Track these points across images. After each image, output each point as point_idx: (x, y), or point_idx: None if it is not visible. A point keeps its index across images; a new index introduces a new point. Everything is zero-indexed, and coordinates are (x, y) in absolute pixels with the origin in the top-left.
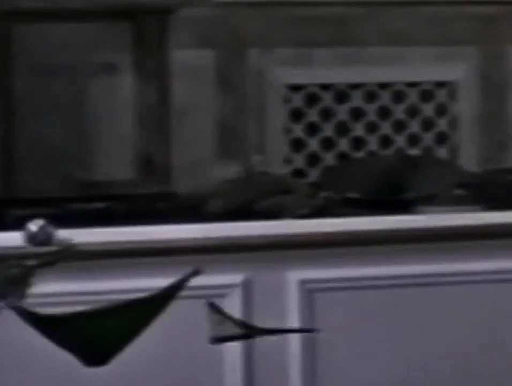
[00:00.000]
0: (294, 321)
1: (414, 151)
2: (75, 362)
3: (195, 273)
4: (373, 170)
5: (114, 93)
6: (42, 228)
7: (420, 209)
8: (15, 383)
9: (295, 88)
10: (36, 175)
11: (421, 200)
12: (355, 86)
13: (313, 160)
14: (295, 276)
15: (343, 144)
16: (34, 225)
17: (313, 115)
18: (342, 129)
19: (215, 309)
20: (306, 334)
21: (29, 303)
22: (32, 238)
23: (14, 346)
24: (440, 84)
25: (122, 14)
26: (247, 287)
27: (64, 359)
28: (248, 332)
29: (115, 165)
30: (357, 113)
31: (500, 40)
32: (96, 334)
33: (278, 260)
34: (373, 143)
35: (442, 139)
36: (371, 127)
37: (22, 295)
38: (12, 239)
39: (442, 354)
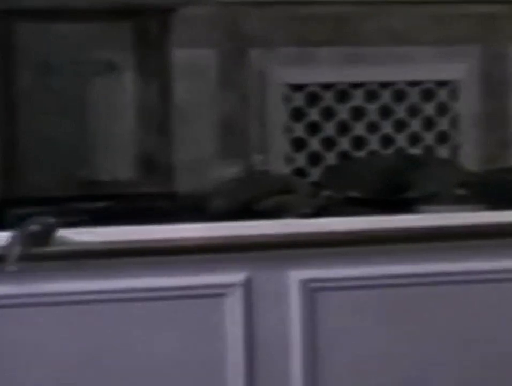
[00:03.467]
0: (295, 320)
1: (415, 151)
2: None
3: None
4: (374, 170)
5: (116, 92)
6: (42, 225)
7: (421, 208)
8: (17, 382)
9: (296, 87)
10: (38, 174)
11: (422, 199)
12: (356, 85)
13: (314, 159)
14: (297, 275)
15: (344, 143)
16: (34, 224)
17: (314, 114)
18: (343, 128)
19: None
20: (307, 333)
21: (27, 302)
22: (32, 236)
23: (15, 346)
24: (441, 83)
25: (123, 13)
26: (248, 286)
27: (65, 359)
28: None
29: (117, 164)
30: (358, 113)
31: (502, 39)
32: None
33: (280, 259)
34: (374, 143)
35: (443, 138)
36: (372, 127)
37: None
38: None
39: (443, 353)
